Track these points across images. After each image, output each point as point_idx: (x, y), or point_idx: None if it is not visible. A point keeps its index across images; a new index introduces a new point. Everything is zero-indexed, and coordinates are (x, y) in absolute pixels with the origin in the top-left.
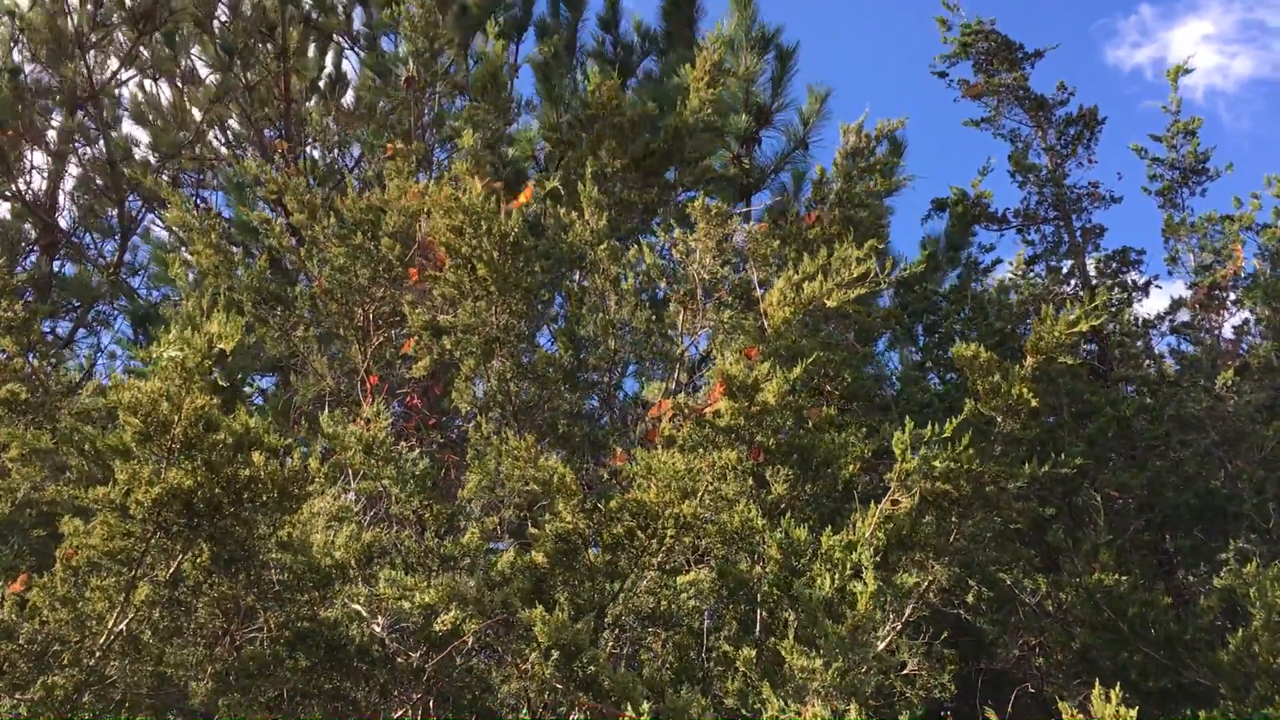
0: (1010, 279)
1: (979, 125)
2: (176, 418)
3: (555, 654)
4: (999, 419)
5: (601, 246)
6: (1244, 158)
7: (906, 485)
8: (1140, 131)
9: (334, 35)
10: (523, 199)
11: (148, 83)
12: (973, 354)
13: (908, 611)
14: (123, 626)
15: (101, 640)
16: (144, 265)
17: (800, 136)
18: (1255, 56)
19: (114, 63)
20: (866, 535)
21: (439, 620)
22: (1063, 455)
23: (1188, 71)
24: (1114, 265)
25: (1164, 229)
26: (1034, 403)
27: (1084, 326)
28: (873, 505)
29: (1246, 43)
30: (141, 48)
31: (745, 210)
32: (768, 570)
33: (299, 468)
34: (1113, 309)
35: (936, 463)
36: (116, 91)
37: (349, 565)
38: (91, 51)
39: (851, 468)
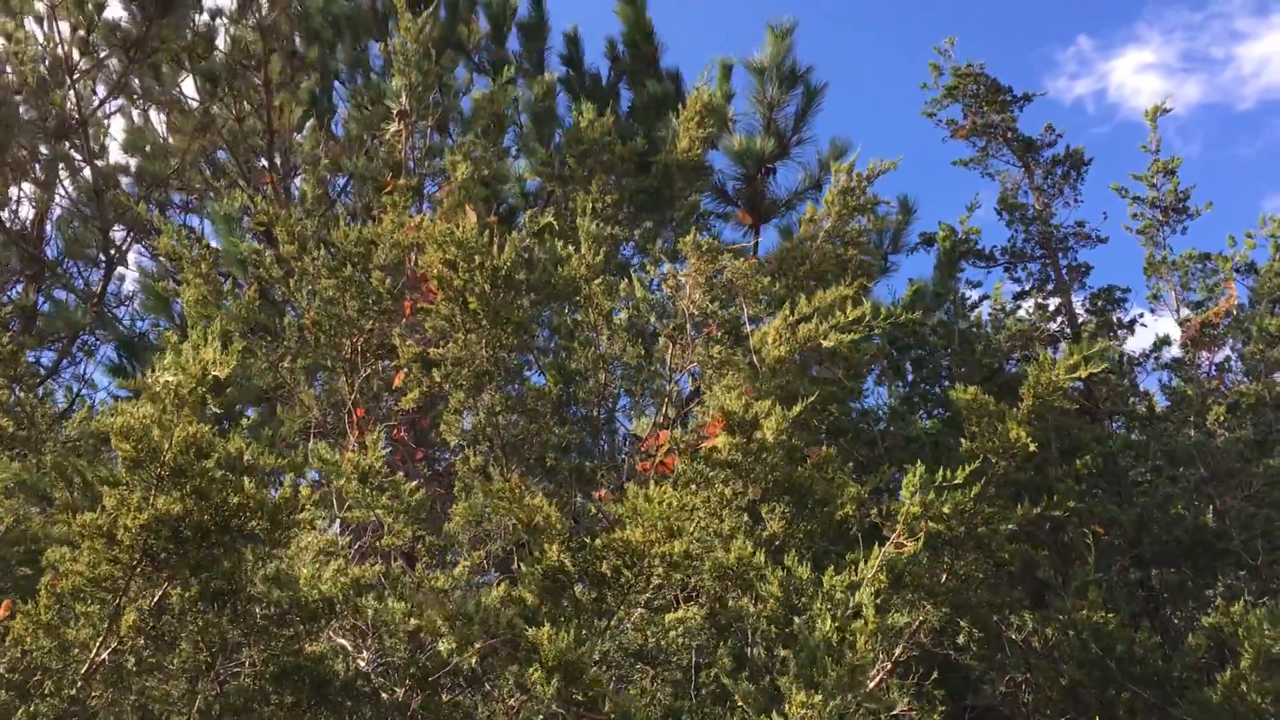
0: (993, 314)
1: (968, 165)
2: (167, 444)
3: (557, 676)
4: (994, 460)
5: (597, 281)
6: (1197, 182)
7: (912, 529)
8: (1093, 165)
9: (318, 68)
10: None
11: (135, 113)
12: (971, 396)
13: (898, 651)
14: (105, 655)
15: (84, 669)
16: (129, 296)
17: (817, 177)
18: (1203, 83)
19: (102, 91)
20: (869, 576)
21: (443, 640)
22: (1054, 495)
23: (1166, 111)
24: (1100, 303)
25: (1146, 267)
26: (1032, 447)
27: (1084, 373)
28: (875, 547)
29: (1189, 72)
30: (133, 77)
31: (754, 243)
32: (766, 607)
33: (289, 494)
34: (1107, 360)
35: (945, 508)
36: (105, 121)
37: (336, 600)
38: (80, 79)
39: (848, 508)
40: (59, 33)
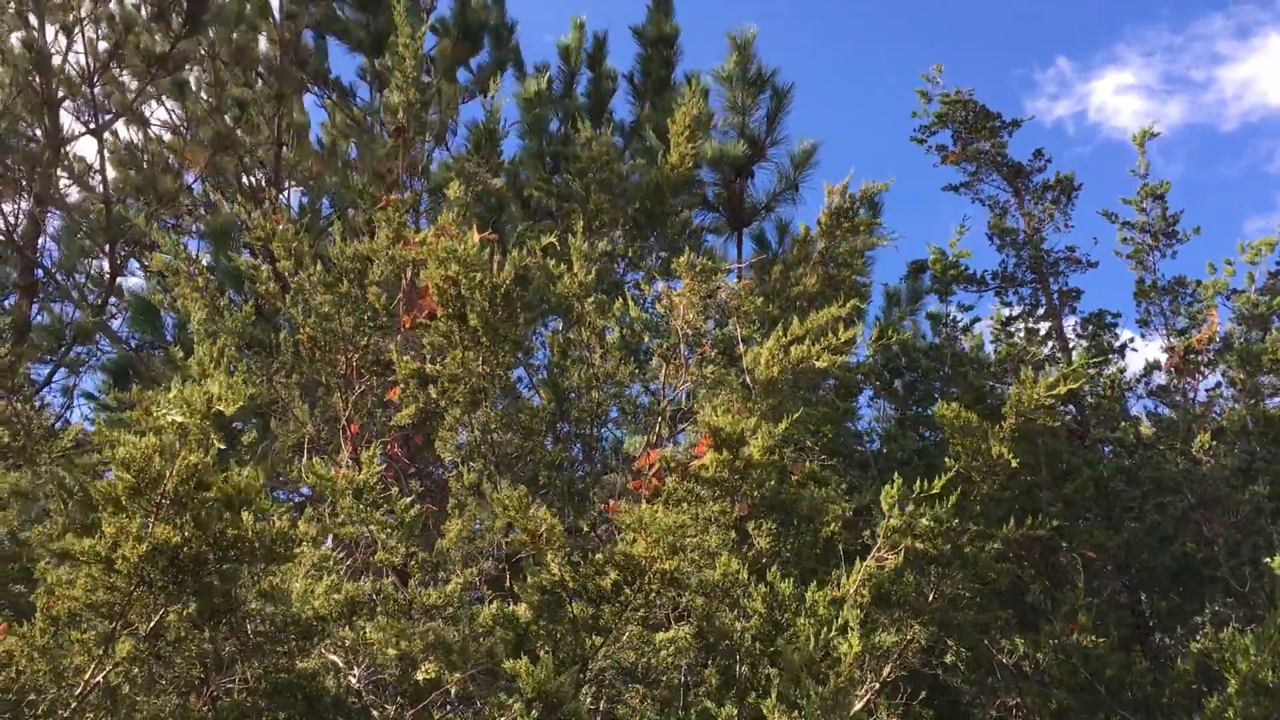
0: (992, 332)
1: (958, 190)
2: (169, 474)
3: (537, 707)
4: (978, 479)
5: (589, 299)
6: (1183, 204)
7: (892, 542)
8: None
9: (316, 84)
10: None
11: (128, 128)
12: (954, 414)
13: (886, 671)
14: (100, 679)
15: (78, 692)
16: (126, 302)
17: (792, 178)
18: (1185, 105)
19: (109, 108)
20: (851, 592)
21: (422, 668)
22: (1040, 516)
23: (1154, 135)
24: (1091, 327)
25: (1135, 292)
26: (1014, 463)
27: (1063, 390)
28: (858, 562)
29: (1170, 94)
30: (149, 88)
31: (737, 266)
32: (751, 624)
33: (286, 528)
34: (1090, 371)
35: (923, 520)
36: (108, 136)
37: (329, 617)
38: (97, 88)
39: (833, 525)
40: (82, 42)
